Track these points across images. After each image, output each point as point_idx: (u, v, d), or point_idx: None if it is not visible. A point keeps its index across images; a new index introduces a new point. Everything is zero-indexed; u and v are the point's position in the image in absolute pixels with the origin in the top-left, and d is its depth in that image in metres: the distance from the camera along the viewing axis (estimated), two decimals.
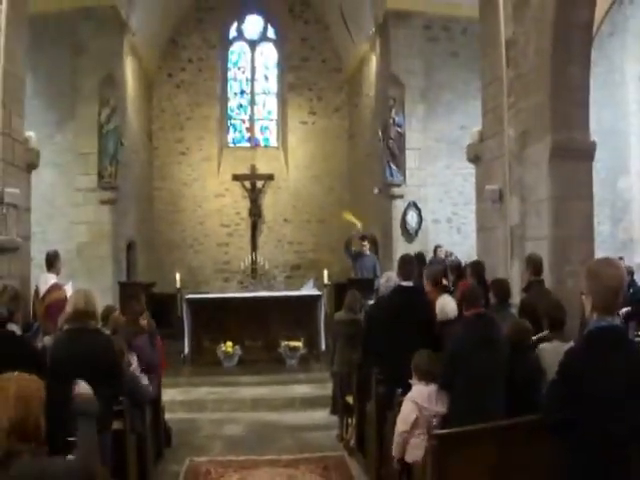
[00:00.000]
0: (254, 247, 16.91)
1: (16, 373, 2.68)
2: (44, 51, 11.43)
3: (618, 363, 2.80)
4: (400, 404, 5.00)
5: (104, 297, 10.84)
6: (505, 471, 4.15)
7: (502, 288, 6.19)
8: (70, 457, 2.79)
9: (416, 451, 4.68)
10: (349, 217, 13.17)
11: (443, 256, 12.38)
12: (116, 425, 4.78)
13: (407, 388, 5.00)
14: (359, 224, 12.75)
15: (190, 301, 11.24)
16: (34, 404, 2.60)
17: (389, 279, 6.56)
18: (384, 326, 5.73)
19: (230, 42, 18.11)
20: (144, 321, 6.51)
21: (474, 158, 9.00)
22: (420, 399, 4.77)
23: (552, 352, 4.57)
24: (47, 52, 11.58)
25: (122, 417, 4.89)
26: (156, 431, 6.40)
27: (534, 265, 6.59)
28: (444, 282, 7.71)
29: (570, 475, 2.92)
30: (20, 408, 2.55)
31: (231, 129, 18.22)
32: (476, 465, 4.14)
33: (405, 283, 5.88)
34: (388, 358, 5.63)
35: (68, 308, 4.71)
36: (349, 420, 7.19)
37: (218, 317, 11.13)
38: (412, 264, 6.13)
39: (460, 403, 4.60)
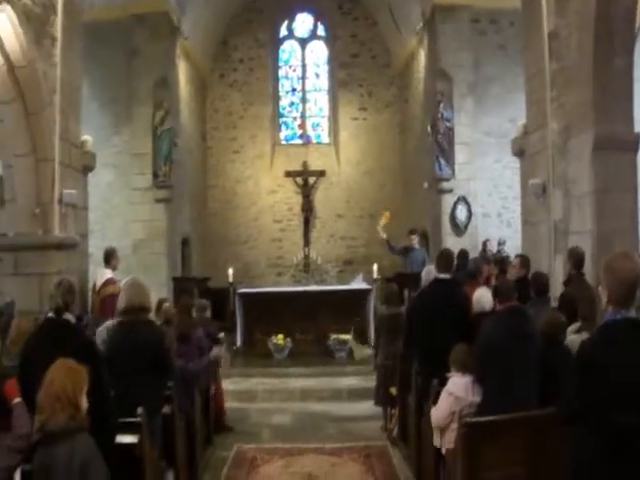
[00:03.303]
0: (307, 242, 17.12)
1: (60, 359, 3.00)
2: (100, 57, 11.88)
3: (632, 355, 2.86)
4: (437, 395, 5.15)
5: (159, 292, 11.21)
6: (535, 460, 4.28)
7: (540, 282, 6.27)
8: None
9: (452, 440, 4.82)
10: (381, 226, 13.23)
11: (494, 249, 12.36)
12: (166, 409, 5.07)
13: (444, 380, 5.12)
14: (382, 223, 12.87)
15: (242, 295, 11.61)
16: (69, 387, 2.89)
17: (429, 272, 6.70)
18: (422, 318, 5.88)
19: (280, 41, 18.32)
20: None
21: (519, 152, 9.02)
22: (457, 390, 4.88)
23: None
24: (103, 58, 12.02)
25: (171, 402, 5.18)
26: (206, 418, 6.71)
27: (575, 259, 6.61)
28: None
29: (580, 465, 3.00)
30: (57, 390, 2.85)
31: (283, 127, 18.46)
32: (506, 453, 4.28)
33: (442, 275, 6.01)
34: (426, 349, 5.78)
35: (121, 301, 5.04)
36: (392, 411, 7.36)
37: (270, 310, 11.45)
38: (450, 257, 6.26)
39: (493, 396, 4.68)
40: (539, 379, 4.66)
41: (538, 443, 4.24)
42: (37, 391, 3.33)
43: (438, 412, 4.95)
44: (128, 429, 4.16)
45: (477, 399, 4.82)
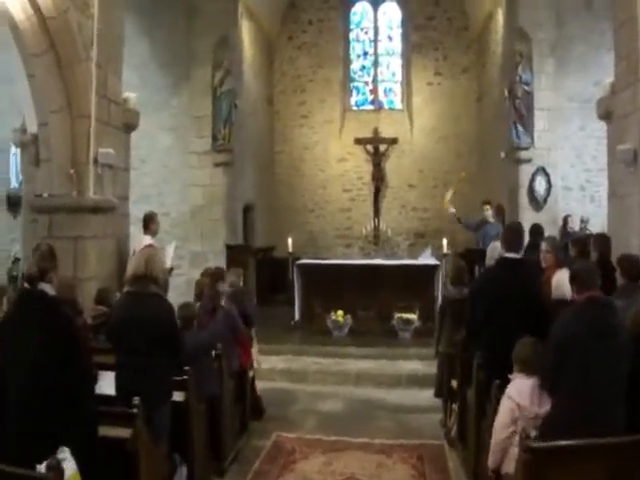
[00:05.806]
0: (377, 213, 16.31)
1: None
2: (160, 17, 11.51)
3: None
4: (497, 399, 4.35)
5: (216, 259, 10.91)
6: None
7: (632, 265, 5.27)
8: None
9: (513, 462, 3.86)
10: (447, 201, 12.24)
11: (576, 226, 11.34)
12: (178, 397, 4.47)
13: (507, 379, 4.31)
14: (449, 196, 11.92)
15: (301, 266, 10.99)
16: None
17: (494, 249, 5.88)
18: (485, 304, 5.03)
19: (352, 2, 17.55)
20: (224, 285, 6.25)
21: (605, 114, 7.97)
22: (519, 396, 4.04)
23: None
24: (163, 16, 11.62)
25: (185, 388, 4.58)
26: (241, 403, 6.11)
27: None
28: None
29: None
30: None
31: (354, 91, 17.73)
32: None
33: (510, 255, 5.13)
34: (489, 341, 4.97)
35: (128, 270, 4.45)
36: (453, 406, 6.57)
37: (331, 284, 10.80)
38: (519, 233, 5.41)
39: (566, 407, 3.79)
40: (627, 387, 3.74)
41: (623, 476, 3.37)
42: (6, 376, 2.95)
43: (497, 423, 4.12)
44: (124, 421, 3.57)
45: (544, 410, 3.94)
